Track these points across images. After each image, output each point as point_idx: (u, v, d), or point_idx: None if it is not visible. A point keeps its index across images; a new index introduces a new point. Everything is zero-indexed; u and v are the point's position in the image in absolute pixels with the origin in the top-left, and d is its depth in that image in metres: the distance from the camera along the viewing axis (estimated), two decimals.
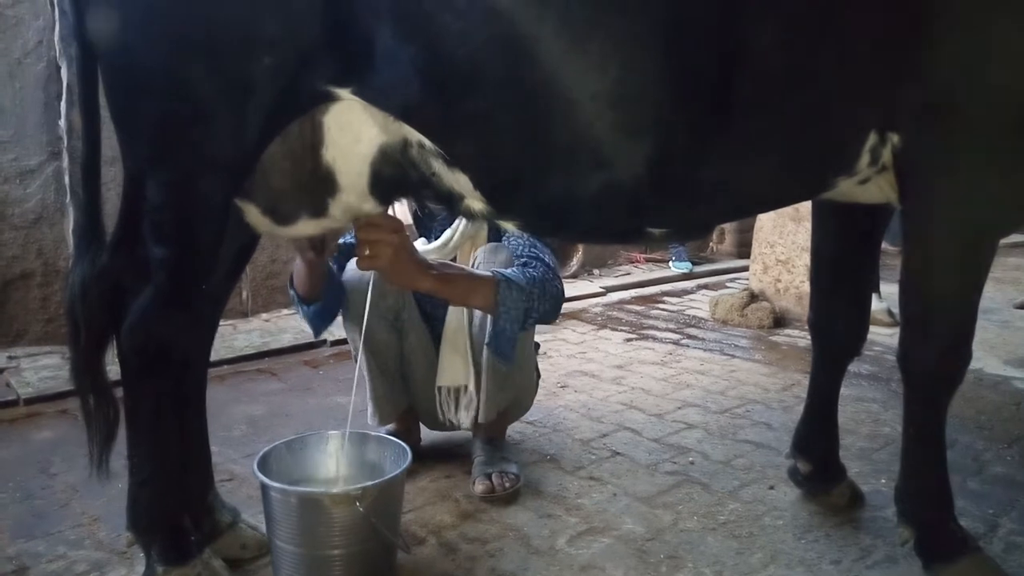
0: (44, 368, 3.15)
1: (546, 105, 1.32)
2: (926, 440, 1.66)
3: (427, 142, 1.40)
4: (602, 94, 1.31)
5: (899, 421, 2.64)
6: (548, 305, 2.04)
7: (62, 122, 3.59)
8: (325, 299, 2.05)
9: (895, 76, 1.39)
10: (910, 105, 1.42)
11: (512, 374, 2.17)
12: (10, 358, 3.32)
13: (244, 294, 4.18)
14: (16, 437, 2.55)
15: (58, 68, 3.53)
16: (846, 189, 1.57)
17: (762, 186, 1.50)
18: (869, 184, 1.56)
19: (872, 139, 1.46)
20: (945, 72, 1.39)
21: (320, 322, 2.12)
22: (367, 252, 1.71)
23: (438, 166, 1.43)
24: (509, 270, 2.01)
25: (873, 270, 1.94)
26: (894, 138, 1.45)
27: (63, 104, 3.54)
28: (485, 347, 2.09)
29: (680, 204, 1.46)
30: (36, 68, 3.52)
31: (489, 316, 2.02)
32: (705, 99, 1.34)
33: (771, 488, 2.14)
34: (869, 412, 2.76)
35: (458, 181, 1.44)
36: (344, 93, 1.38)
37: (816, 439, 2.03)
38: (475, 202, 1.49)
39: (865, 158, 1.47)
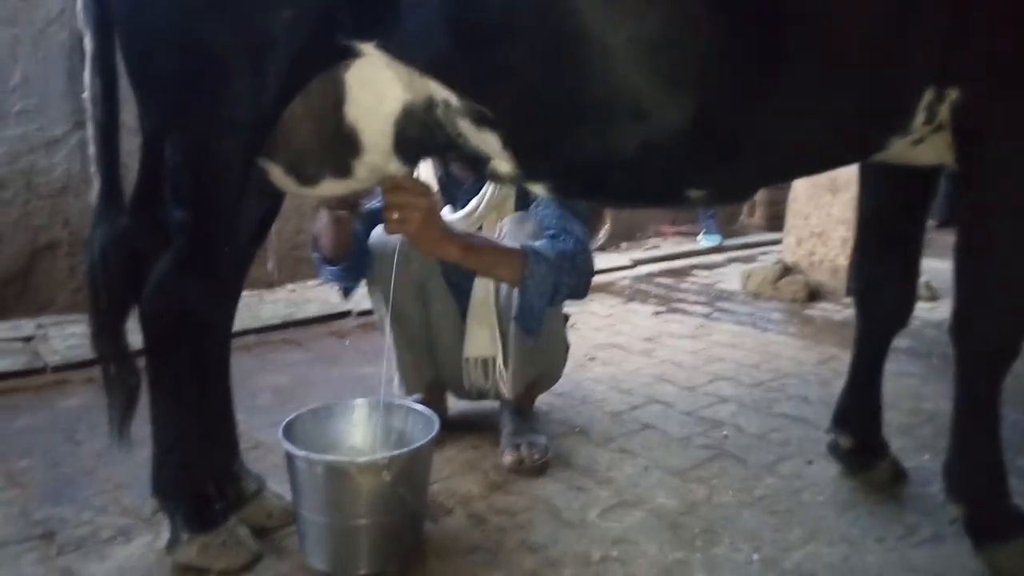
0: (71, 336, 3.15)
1: (583, 54, 1.23)
2: (979, 416, 1.58)
3: (453, 100, 1.33)
4: (643, 41, 1.22)
5: (940, 396, 2.58)
6: (577, 280, 1.97)
7: (86, 92, 3.57)
8: (350, 260, 2.00)
9: (957, 22, 1.29)
10: (973, 55, 1.32)
11: (541, 346, 2.11)
12: (38, 326, 3.33)
13: (270, 264, 4.15)
14: (43, 404, 2.55)
15: (81, 37, 3.49)
16: (899, 150, 1.47)
17: (810, 145, 1.41)
18: (924, 145, 1.46)
19: (929, 95, 1.36)
20: (1015, 16, 1.28)
21: (343, 281, 2.07)
22: (395, 216, 1.65)
23: (464, 126, 1.36)
24: (538, 242, 1.94)
25: (922, 238, 1.85)
26: (953, 94, 1.36)
27: (87, 73, 3.51)
28: (512, 320, 2.03)
29: (723, 164, 1.37)
30: (59, 37, 3.50)
31: (516, 289, 1.96)
32: (753, 47, 1.25)
33: (809, 463, 2.07)
34: (909, 387, 2.66)
35: (485, 141, 1.37)
36: (367, 48, 1.31)
37: (858, 413, 1.95)
38: (503, 164, 1.41)
39: (921, 116, 1.38)
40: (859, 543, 1.69)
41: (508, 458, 2.04)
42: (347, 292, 2.14)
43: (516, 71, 1.27)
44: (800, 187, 4.26)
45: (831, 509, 1.83)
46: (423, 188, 1.68)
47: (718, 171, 1.39)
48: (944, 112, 1.39)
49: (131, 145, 1.52)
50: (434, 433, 1.63)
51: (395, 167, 1.47)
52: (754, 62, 1.26)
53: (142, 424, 1.57)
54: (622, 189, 1.44)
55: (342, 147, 1.42)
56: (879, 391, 1.96)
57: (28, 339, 3.16)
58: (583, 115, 1.30)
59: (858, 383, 1.96)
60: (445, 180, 2.19)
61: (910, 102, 1.36)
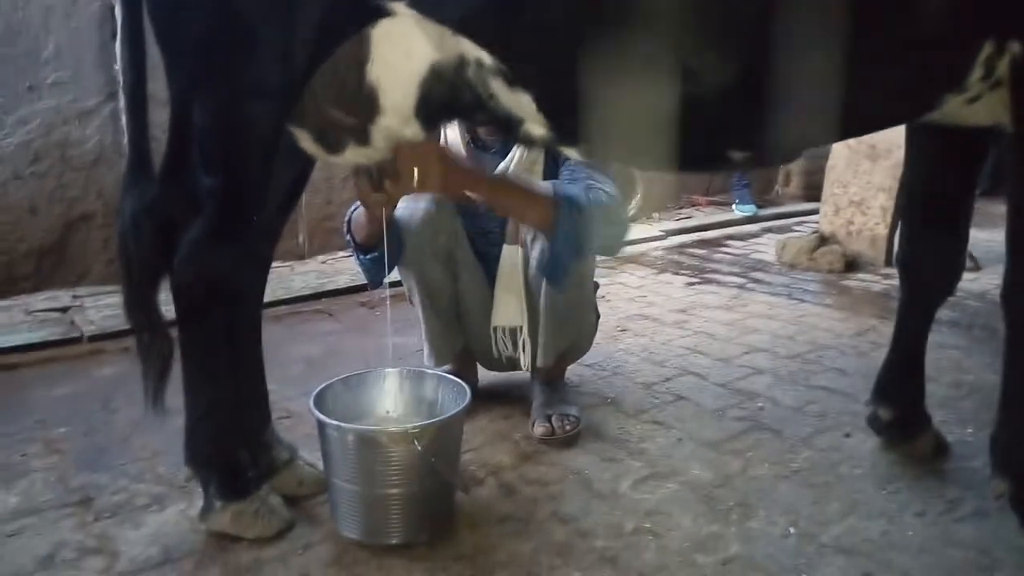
0: (107, 307, 3.18)
1: (624, 8, 1.18)
2: None
3: (487, 59, 1.28)
4: None
5: (983, 368, 2.51)
6: (612, 232, 1.92)
7: (118, 63, 3.58)
8: (385, 247, 1.97)
9: None
10: None
11: (571, 316, 2.08)
12: (74, 297, 3.38)
13: (301, 237, 4.16)
14: (80, 373, 2.59)
15: (112, 8, 3.50)
16: (952, 109, 1.40)
17: (859, 103, 1.34)
18: (979, 103, 1.39)
19: (988, 48, 1.28)
20: None
21: (376, 274, 2.06)
22: (415, 176, 1.61)
23: (496, 86, 1.31)
24: (574, 188, 1.89)
25: (971, 205, 1.77)
26: (1015, 47, 1.28)
27: (118, 44, 3.52)
28: (543, 287, 1.99)
29: (769, 122, 1.31)
30: (91, 8, 3.50)
31: (544, 250, 1.91)
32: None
33: (847, 436, 2.02)
34: (951, 359, 2.59)
35: (518, 102, 1.32)
36: (398, 7, 1.27)
37: (901, 384, 1.89)
38: (536, 126, 1.37)
39: (978, 71, 1.30)
40: (899, 517, 1.65)
41: (539, 429, 2.03)
42: (374, 285, 2.12)
43: (552, 28, 1.23)
44: (838, 154, 4.15)
45: (870, 482, 1.79)
46: (427, 142, 1.63)
47: (764, 131, 1.33)
48: (1003, 67, 1.31)
49: (162, 117, 1.50)
50: (466, 403, 1.62)
51: (412, 131, 1.44)
52: (800, 13, 1.20)
53: (177, 393, 1.58)
54: (661, 153, 1.39)
55: (362, 109, 1.39)
56: (922, 362, 1.90)
57: (64, 309, 3.20)
58: (622, 76, 1.25)
59: (901, 354, 1.90)
60: (472, 145, 2.15)
61: (968, 56, 1.29)
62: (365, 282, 3.53)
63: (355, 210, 2.01)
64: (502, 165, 2.06)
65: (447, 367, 2.23)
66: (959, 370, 2.51)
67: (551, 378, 2.19)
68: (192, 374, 1.56)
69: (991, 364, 2.57)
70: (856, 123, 1.46)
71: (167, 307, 1.54)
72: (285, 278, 3.69)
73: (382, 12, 1.28)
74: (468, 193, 1.78)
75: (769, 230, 5.01)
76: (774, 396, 2.30)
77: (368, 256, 2.01)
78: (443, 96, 1.36)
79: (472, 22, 1.24)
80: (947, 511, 1.67)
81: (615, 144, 1.40)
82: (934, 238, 1.76)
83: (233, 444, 1.61)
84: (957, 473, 1.83)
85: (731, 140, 1.34)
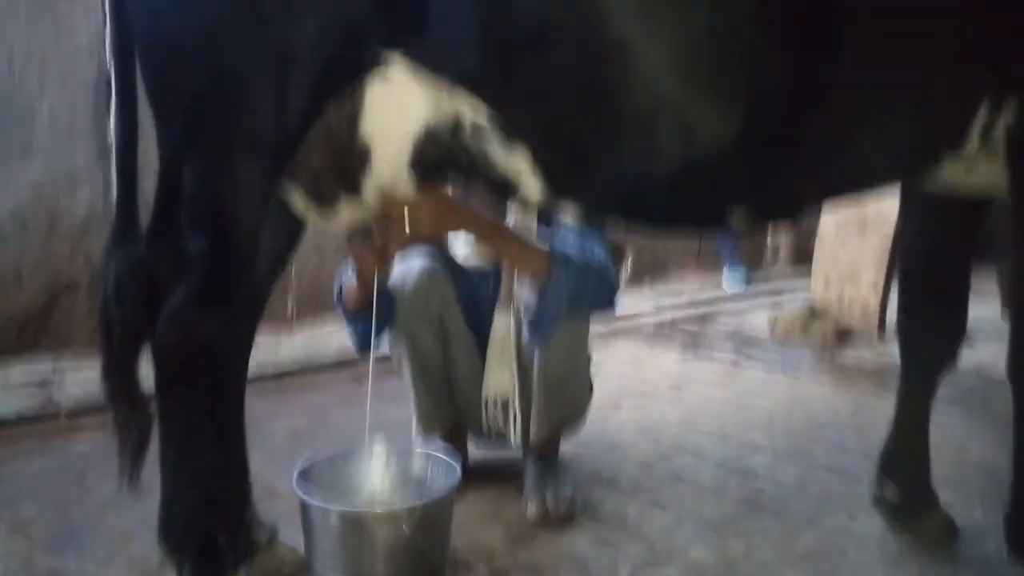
0: (87, 380, 3.09)
1: (624, 63, 1.17)
2: None
3: (483, 122, 1.26)
4: (689, 46, 1.16)
5: (985, 446, 2.45)
6: (602, 290, 1.91)
7: (111, 130, 3.58)
8: (377, 310, 1.93)
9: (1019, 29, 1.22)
10: None
11: (565, 385, 2.03)
12: (54, 370, 3.29)
13: (289, 306, 4.11)
14: (55, 449, 2.49)
15: (109, 74, 3.52)
16: (949, 179, 1.40)
17: (861, 159, 1.32)
18: (975, 171, 1.39)
19: (984, 111, 1.28)
20: None
21: (365, 341, 2.00)
22: (407, 223, 1.57)
23: (493, 149, 1.29)
24: (569, 248, 1.88)
25: (969, 272, 1.75)
26: (1009, 113, 1.28)
27: (112, 109, 3.53)
28: (536, 354, 1.95)
29: (770, 178, 1.30)
30: (86, 73, 3.51)
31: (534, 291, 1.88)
32: (804, 52, 1.18)
33: (852, 518, 1.95)
34: (950, 437, 2.53)
35: (515, 162, 1.30)
36: (393, 56, 1.25)
37: (905, 462, 1.84)
38: (533, 186, 1.34)
39: (975, 140, 1.30)
40: None
41: (532, 508, 1.95)
42: (366, 347, 2.07)
43: (550, 82, 1.21)
44: (828, 226, 4.19)
45: (880, 568, 1.71)
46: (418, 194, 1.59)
47: (765, 186, 1.32)
48: (999, 131, 1.31)
49: (152, 185, 1.46)
50: (455, 483, 1.54)
51: (405, 187, 1.41)
52: (802, 70, 1.19)
53: (154, 471, 1.50)
54: (660, 210, 1.37)
55: (353, 164, 1.36)
56: (926, 438, 1.85)
57: (43, 384, 3.11)
58: (622, 128, 1.23)
59: (904, 430, 1.85)
60: None
61: (966, 111, 1.29)
62: (354, 356, 3.51)
63: (345, 278, 1.97)
64: None
65: (437, 440, 2.16)
66: (961, 448, 2.45)
67: (544, 453, 2.11)
68: (170, 447, 1.48)
69: (993, 442, 2.51)
70: (854, 180, 1.43)
71: (147, 380, 1.47)
72: (271, 349, 3.62)
73: (377, 61, 1.26)
74: (463, 231, 1.76)
75: (760, 304, 5.00)
76: (774, 475, 2.23)
77: (358, 323, 1.96)
78: (438, 156, 1.33)
79: (467, 74, 1.23)
80: None
81: (613, 203, 1.37)
82: (934, 307, 1.74)
83: (210, 524, 1.52)
84: (970, 558, 1.75)
85: (731, 197, 1.32)
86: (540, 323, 1.88)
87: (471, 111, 1.26)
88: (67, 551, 1.79)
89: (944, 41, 1.23)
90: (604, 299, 1.94)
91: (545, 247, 1.83)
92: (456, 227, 1.73)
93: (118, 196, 1.47)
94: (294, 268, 4.07)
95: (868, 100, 1.24)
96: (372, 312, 1.91)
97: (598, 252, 1.94)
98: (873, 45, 1.20)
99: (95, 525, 1.93)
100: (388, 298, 1.98)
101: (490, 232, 1.76)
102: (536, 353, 1.96)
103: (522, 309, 1.99)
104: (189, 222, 1.37)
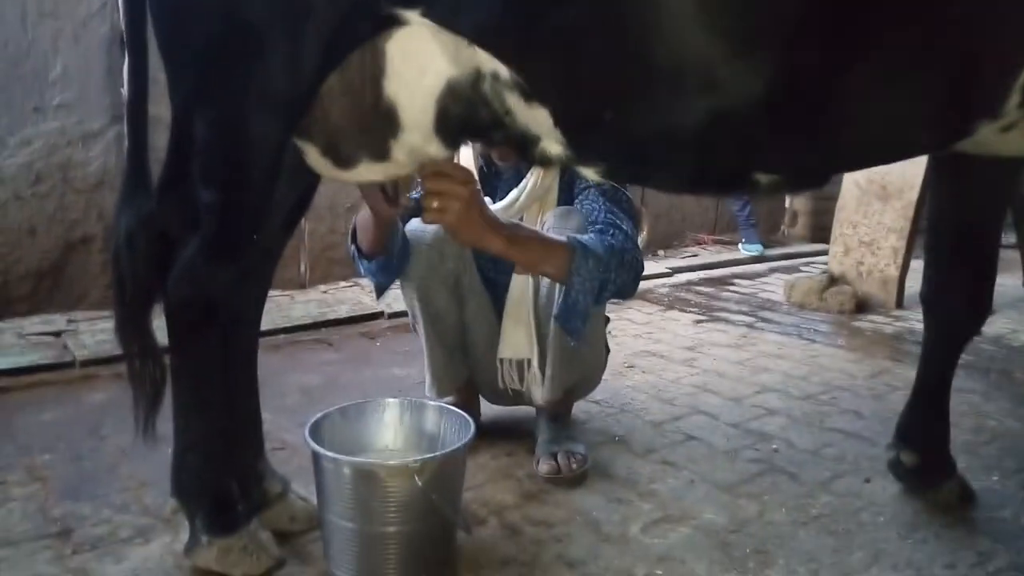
0: (102, 332, 3.11)
1: (647, 14, 1.12)
2: None
3: (502, 72, 1.22)
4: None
5: (1004, 414, 2.43)
6: (626, 277, 1.85)
7: (125, 87, 3.55)
8: (390, 254, 1.90)
9: None
10: None
11: (581, 349, 2.00)
12: (69, 321, 3.31)
13: (302, 266, 4.10)
14: (70, 399, 2.50)
15: (122, 32, 3.49)
16: (984, 138, 1.34)
17: (892, 125, 1.27)
18: (1013, 132, 1.33)
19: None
20: None
21: (383, 277, 1.97)
22: (435, 205, 1.55)
23: (513, 101, 1.25)
24: (586, 236, 1.83)
25: (999, 239, 1.71)
26: None
27: (125, 67, 3.49)
28: (552, 320, 1.92)
29: (798, 142, 1.25)
30: (100, 31, 3.49)
31: (557, 286, 1.85)
32: (831, 10, 1.13)
33: (867, 481, 1.93)
34: (970, 404, 2.51)
35: (535, 118, 1.26)
36: (411, 16, 1.22)
37: (925, 428, 1.81)
38: (553, 144, 1.30)
39: (1015, 97, 1.25)
40: (927, 569, 1.55)
41: (544, 467, 1.94)
42: (381, 290, 2.04)
43: (571, 37, 1.17)
44: (848, 194, 4.11)
45: (894, 531, 1.70)
46: (465, 174, 1.58)
47: (792, 151, 1.27)
48: None
49: (164, 140, 1.42)
50: (470, 437, 1.53)
51: (436, 149, 1.38)
52: (832, 28, 1.14)
53: (169, 420, 1.50)
54: (683, 171, 1.32)
55: (380, 125, 1.33)
56: (947, 405, 1.82)
57: (58, 334, 3.13)
58: (644, 84, 1.19)
59: (924, 395, 1.82)
60: (485, 171, 2.10)
61: (1004, 80, 1.23)
62: (366, 312, 3.51)
63: (361, 216, 1.92)
64: (514, 193, 2.00)
65: (449, 399, 2.15)
66: (979, 415, 2.42)
67: (557, 413, 2.10)
68: (183, 400, 1.48)
69: (1012, 410, 2.49)
70: (885, 147, 1.38)
71: (161, 331, 1.46)
72: (285, 307, 3.62)
73: (395, 21, 1.23)
74: (480, 246, 1.70)
75: (776, 270, 4.96)
76: (789, 438, 2.21)
77: (372, 262, 1.93)
78: (461, 113, 1.29)
79: (489, 31, 1.19)
80: (978, 563, 1.57)
81: (634, 163, 1.33)
82: (960, 276, 1.69)
83: (223, 476, 1.52)
84: (986, 523, 1.73)
85: (757, 161, 1.27)
86: (569, 319, 1.84)
87: (491, 62, 1.22)
88: (82, 497, 1.81)
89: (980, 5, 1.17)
90: (629, 286, 1.89)
91: (564, 243, 1.77)
92: (474, 240, 1.66)
93: (129, 150, 1.45)
94: (307, 226, 4.05)
95: (900, 66, 1.18)
96: (385, 257, 1.89)
97: (623, 224, 1.89)
98: (906, 8, 1.14)
99: (110, 473, 1.94)
100: (404, 241, 1.95)
101: (510, 245, 1.69)
102: (554, 317, 1.93)
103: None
104: (201, 174, 1.35)
